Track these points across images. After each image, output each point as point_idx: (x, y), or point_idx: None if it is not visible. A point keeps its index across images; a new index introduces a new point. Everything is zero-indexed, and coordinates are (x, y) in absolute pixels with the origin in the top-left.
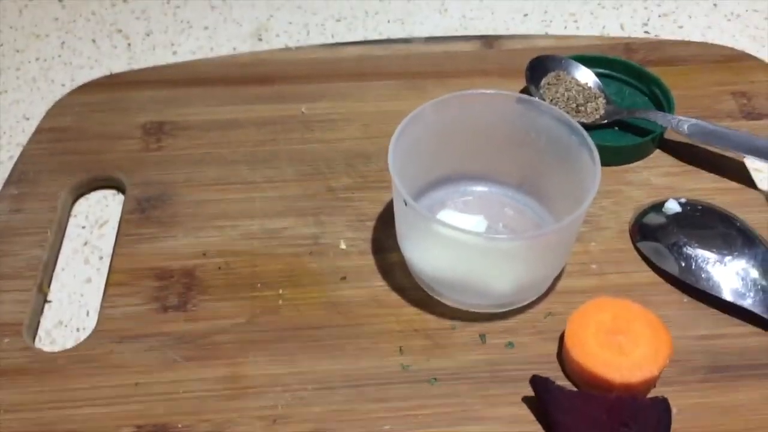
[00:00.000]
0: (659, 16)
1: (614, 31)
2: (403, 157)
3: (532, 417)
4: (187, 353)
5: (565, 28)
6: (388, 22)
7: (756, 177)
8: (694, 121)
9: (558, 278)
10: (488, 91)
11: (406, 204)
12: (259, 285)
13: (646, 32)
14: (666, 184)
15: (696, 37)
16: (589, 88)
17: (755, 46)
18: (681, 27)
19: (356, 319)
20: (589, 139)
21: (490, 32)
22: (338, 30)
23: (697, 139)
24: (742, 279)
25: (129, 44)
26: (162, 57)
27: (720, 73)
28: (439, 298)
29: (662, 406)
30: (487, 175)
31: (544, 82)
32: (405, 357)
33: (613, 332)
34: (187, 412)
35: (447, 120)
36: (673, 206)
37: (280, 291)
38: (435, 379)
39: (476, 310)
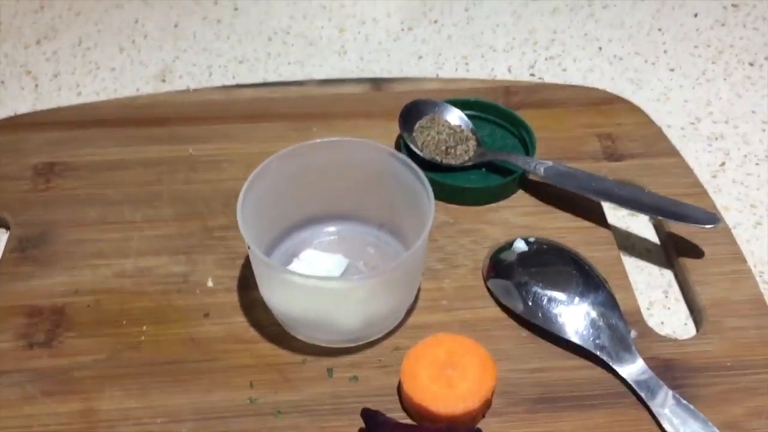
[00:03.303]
0: (546, 59)
1: (502, 73)
2: (260, 204)
3: None
4: (47, 388)
5: (456, 70)
6: (289, 63)
7: (608, 214)
8: (550, 163)
9: (409, 313)
10: (334, 139)
11: (249, 248)
12: (124, 322)
13: (531, 74)
14: (523, 223)
15: (577, 80)
16: (462, 130)
17: (632, 87)
18: (564, 70)
19: (213, 354)
20: (426, 181)
21: (385, 74)
22: (240, 71)
23: (551, 181)
24: (578, 317)
25: (36, 85)
26: (66, 98)
27: (589, 115)
28: (293, 333)
29: None
30: (352, 215)
31: (418, 125)
32: (255, 391)
33: (445, 367)
34: None
35: (305, 166)
36: (520, 245)
37: (144, 327)
38: (279, 412)
39: (327, 345)
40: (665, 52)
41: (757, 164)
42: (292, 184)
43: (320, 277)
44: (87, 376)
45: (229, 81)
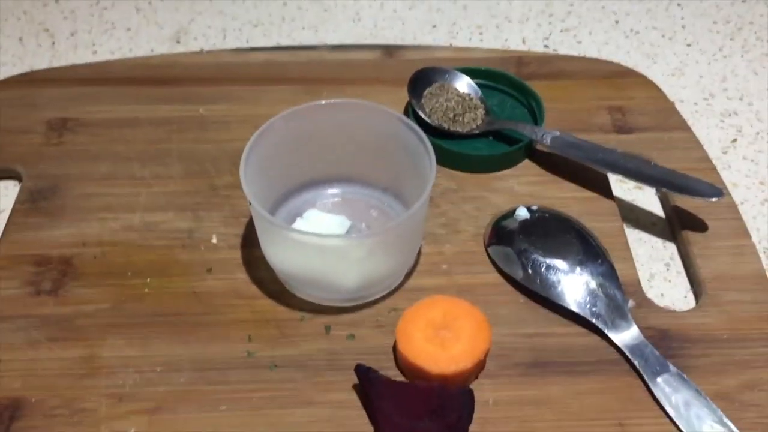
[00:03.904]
0: (561, 31)
1: (516, 44)
2: (264, 162)
3: (358, 403)
4: (51, 334)
5: (470, 40)
6: (303, 28)
7: (614, 187)
8: (557, 133)
9: (408, 276)
10: (339, 101)
11: (250, 204)
12: (129, 274)
13: (546, 46)
14: (528, 192)
15: (592, 53)
16: (471, 98)
17: (647, 62)
18: (579, 42)
19: (214, 308)
20: (428, 144)
21: (398, 42)
22: (254, 35)
23: (558, 151)
24: (576, 285)
25: (53, 43)
26: (82, 56)
27: (601, 88)
28: (293, 291)
29: (467, 395)
30: (356, 178)
31: (426, 92)
32: (252, 344)
33: (440, 328)
34: (42, 387)
35: (310, 127)
36: (522, 213)
37: (148, 280)
38: (275, 365)
39: (326, 304)
40: (683, 27)
41: None
42: (296, 145)
43: (319, 234)
44: (90, 324)
45: (243, 44)
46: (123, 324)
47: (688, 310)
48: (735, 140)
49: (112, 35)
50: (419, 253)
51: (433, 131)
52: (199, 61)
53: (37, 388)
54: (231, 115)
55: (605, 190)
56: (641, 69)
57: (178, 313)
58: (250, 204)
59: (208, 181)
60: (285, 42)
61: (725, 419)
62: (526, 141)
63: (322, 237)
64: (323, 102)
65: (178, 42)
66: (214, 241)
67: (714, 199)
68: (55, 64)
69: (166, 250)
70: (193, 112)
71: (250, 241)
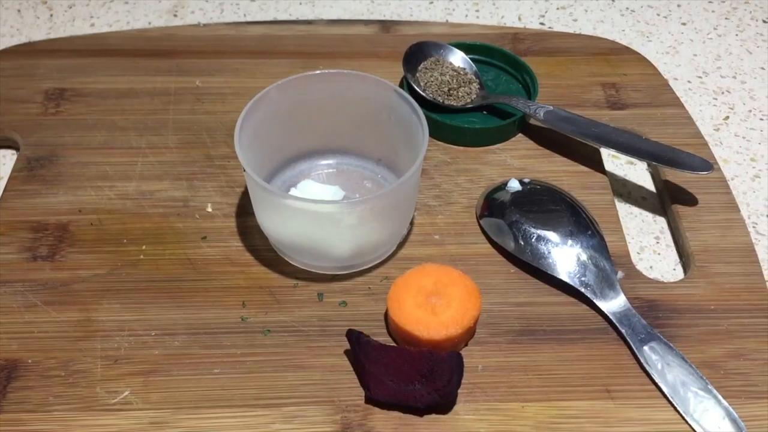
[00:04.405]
0: (557, 8)
1: (512, 21)
2: (259, 131)
3: (349, 367)
4: (48, 298)
5: (466, 16)
6: (300, 3)
7: (606, 162)
8: (550, 108)
9: (401, 246)
10: (334, 71)
11: (244, 171)
12: (125, 241)
13: (541, 23)
14: (521, 165)
15: (587, 30)
16: (465, 73)
17: (641, 40)
18: (575, 20)
19: (208, 274)
20: (421, 115)
21: (395, 17)
22: (251, 9)
23: (551, 125)
24: (566, 256)
25: (51, 15)
26: (80, 28)
27: (596, 64)
28: (287, 259)
29: (456, 360)
30: (351, 149)
31: (422, 66)
32: (246, 310)
33: (431, 295)
34: (38, 349)
35: (305, 97)
36: (514, 185)
37: (143, 247)
38: (268, 330)
39: (319, 272)
40: (678, 6)
41: (761, 119)
42: (291, 115)
43: (311, 200)
44: (86, 288)
45: (240, 18)
46: (118, 289)
47: (676, 282)
48: (727, 117)
49: (110, 8)
50: (412, 224)
51: (427, 105)
52: (195, 34)
53: (33, 350)
54: (227, 87)
55: (597, 165)
56: (636, 47)
57: (173, 280)
58: (244, 171)
59: (204, 152)
60: (282, 16)
61: (710, 386)
62: (519, 115)
63: (315, 203)
64: (318, 72)
65: (175, 15)
66: (209, 209)
67: (704, 173)
68: (53, 36)
69: (161, 218)
70: (189, 83)
71: (244, 210)
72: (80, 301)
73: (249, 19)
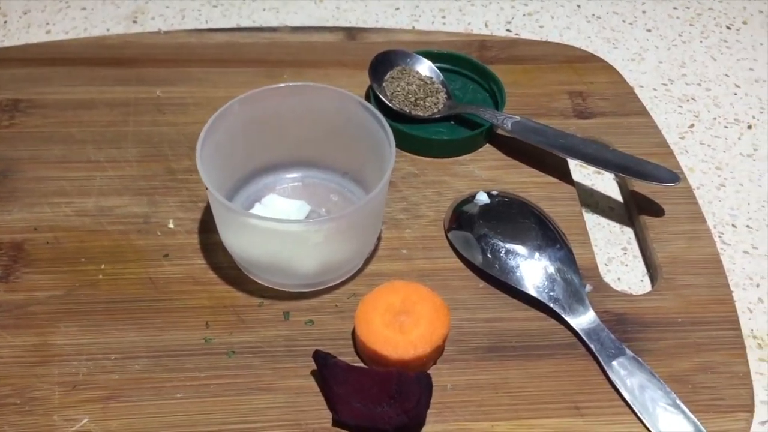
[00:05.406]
0: (524, 15)
1: (479, 28)
2: (222, 146)
3: (316, 389)
4: (2, 322)
5: (433, 23)
6: (264, 10)
7: (574, 172)
8: (518, 118)
9: (368, 261)
10: (298, 84)
11: (207, 189)
12: (83, 260)
13: (508, 30)
14: (489, 176)
15: (553, 37)
16: (432, 82)
17: (607, 47)
18: (542, 27)
19: (170, 294)
20: (388, 128)
21: (360, 24)
22: (213, 15)
23: (518, 136)
24: (535, 270)
25: (5, 22)
26: (35, 36)
27: (562, 72)
28: (252, 276)
29: (424, 381)
30: (316, 162)
31: (388, 75)
32: (210, 331)
33: (399, 313)
34: None
35: (269, 110)
36: (482, 198)
37: (102, 266)
38: (233, 351)
39: (285, 289)
40: (644, 12)
41: (726, 127)
42: (255, 129)
43: (276, 219)
44: (43, 311)
45: (202, 25)
46: (76, 311)
47: (644, 294)
48: (692, 125)
49: (67, 14)
50: (379, 238)
51: (394, 115)
52: (156, 42)
53: None
54: (189, 98)
55: (565, 175)
56: (602, 54)
57: (133, 300)
58: (207, 189)
59: (165, 165)
60: (245, 23)
61: (678, 401)
62: (486, 126)
63: (280, 222)
64: (282, 85)
65: (135, 21)
66: (171, 226)
67: (671, 185)
68: (7, 43)
69: (120, 235)
70: (149, 93)
71: (207, 227)
72: (36, 324)
73: (211, 25)
